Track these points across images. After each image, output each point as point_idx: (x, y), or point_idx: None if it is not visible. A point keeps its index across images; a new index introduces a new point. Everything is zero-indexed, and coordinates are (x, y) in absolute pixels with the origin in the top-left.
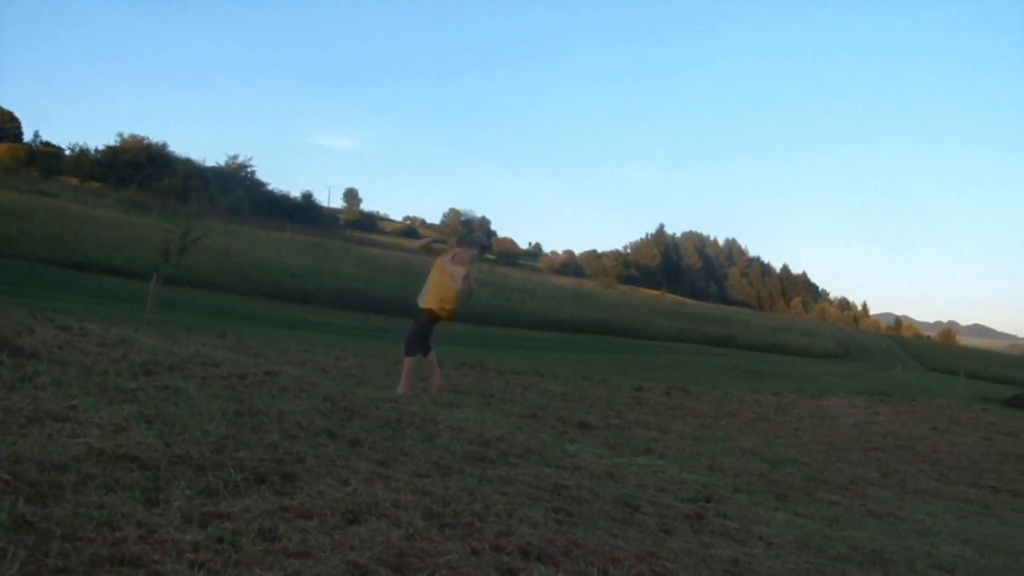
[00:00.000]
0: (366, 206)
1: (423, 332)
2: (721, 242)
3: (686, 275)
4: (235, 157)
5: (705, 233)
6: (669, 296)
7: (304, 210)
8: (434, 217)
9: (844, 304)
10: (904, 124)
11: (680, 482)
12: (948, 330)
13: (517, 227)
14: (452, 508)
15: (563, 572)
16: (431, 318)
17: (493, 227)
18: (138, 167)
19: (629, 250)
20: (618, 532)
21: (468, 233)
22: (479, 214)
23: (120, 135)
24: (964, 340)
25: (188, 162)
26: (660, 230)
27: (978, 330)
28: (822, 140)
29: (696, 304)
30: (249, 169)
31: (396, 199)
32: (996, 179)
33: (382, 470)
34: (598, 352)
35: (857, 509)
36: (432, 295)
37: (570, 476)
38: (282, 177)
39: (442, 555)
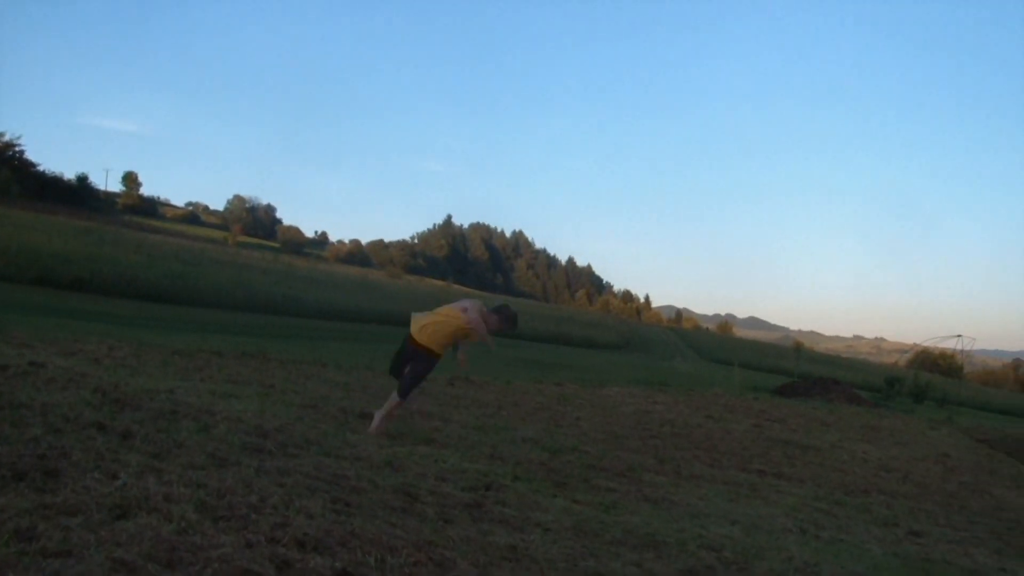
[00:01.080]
0: (146, 191)
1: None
2: (508, 234)
3: (473, 266)
4: (1, 135)
5: (492, 225)
6: (456, 287)
7: (79, 193)
8: (218, 204)
9: (627, 296)
10: (679, 123)
11: (460, 471)
12: (725, 323)
13: (303, 215)
14: (227, 500)
15: (340, 562)
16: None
17: (279, 215)
18: None
19: (416, 240)
20: (397, 521)
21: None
22: (264, 201)
23: None
24: (740, 332)
25: None
26: (448, 221)
27: (753, 323)
28: (605, 137)
29: (482, 295)
30: (17, 148)
31: (178, 184)
32: (772, 179)
33: (154, 463)
34: (383, 342)
35: (633, 495)
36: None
37: (350, 466)
38: (55, 158)
39: (215, 548)
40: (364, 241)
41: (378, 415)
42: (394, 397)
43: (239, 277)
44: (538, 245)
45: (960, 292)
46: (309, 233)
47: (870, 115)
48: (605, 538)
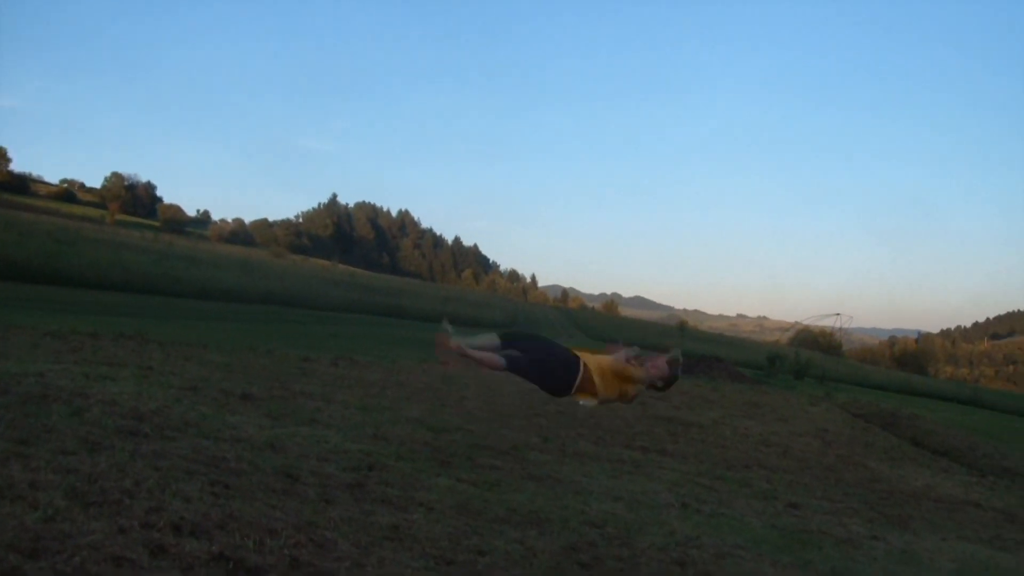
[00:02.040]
0: (17, 167)
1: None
2: (394, 213)
3: (358, 246)
4: None
5: (378, 204)
6: (341, 266)
7: None
8: (94, 181)
9: (514, 276)
10: (555, 103)
11: (343, 451)
12: (611, 302)
13: (184, 194)
14: (99, 485)
15: (217, 546)
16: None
17: (159, 193)
18: None
19: (301, 220)
20: (277, 503)
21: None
22: (144, 179)
23: None
24: (626, 311)
25: None
26: (333, 200)
27: (639, 302)
28: (488, 113)
29: (367, 275)
30: None
31: (52, 161)
32: (650, 157)
33: (21, 449)
34: (265, 322)
35: (517, 473)
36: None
37: (229, 448)
38: None
39: (85, 535)
40: (247, 220)
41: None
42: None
43: (116, 256)
44: (424, 224)
45: (840, 272)
46: (191, 212)
47: (752, 85)
48: (488, 516)
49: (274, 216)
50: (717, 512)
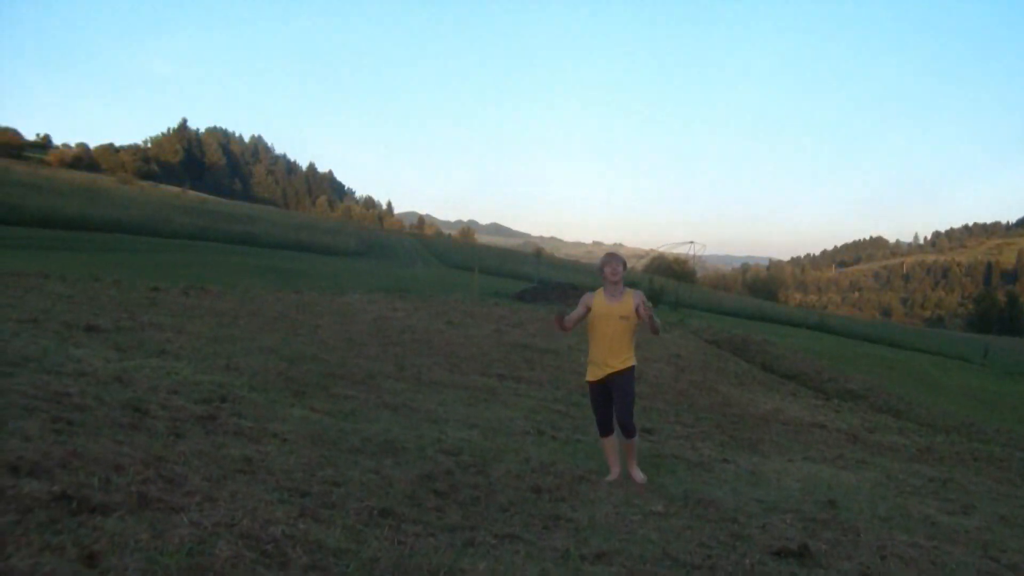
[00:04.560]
0: None
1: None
2: (247, 139)
3: (210, 172)
4: None
5: (230, 129)
6: (191, 193)
7: None
8: None
9: (369, 203)
10: (425, 23)
11: (194, 383)
12: (468, 229)
13: (21, 117)
14: None
15: (59, 485)
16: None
17: None
18: None
19: (149, 145)
20: (124, 439)
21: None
22: None
23: None
24: (482, 239)
25: None
26: (183, 125)
27: (496, 229)
28: (348, 39)
29: (219, 201)
30: None
31: None
32: (515, 87)
33: None
34: (111, 252)
35: (373, 402)
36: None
37: (73, 383)
38: None
39: None
40: (92, 145)
41: (633, 472)
42: (625, 441)
43: None
44: (278, 150)
45: (695, 201)
46: (29, 135)
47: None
48: (343, 446)
49: (120, 141)
50: (572, 439)
